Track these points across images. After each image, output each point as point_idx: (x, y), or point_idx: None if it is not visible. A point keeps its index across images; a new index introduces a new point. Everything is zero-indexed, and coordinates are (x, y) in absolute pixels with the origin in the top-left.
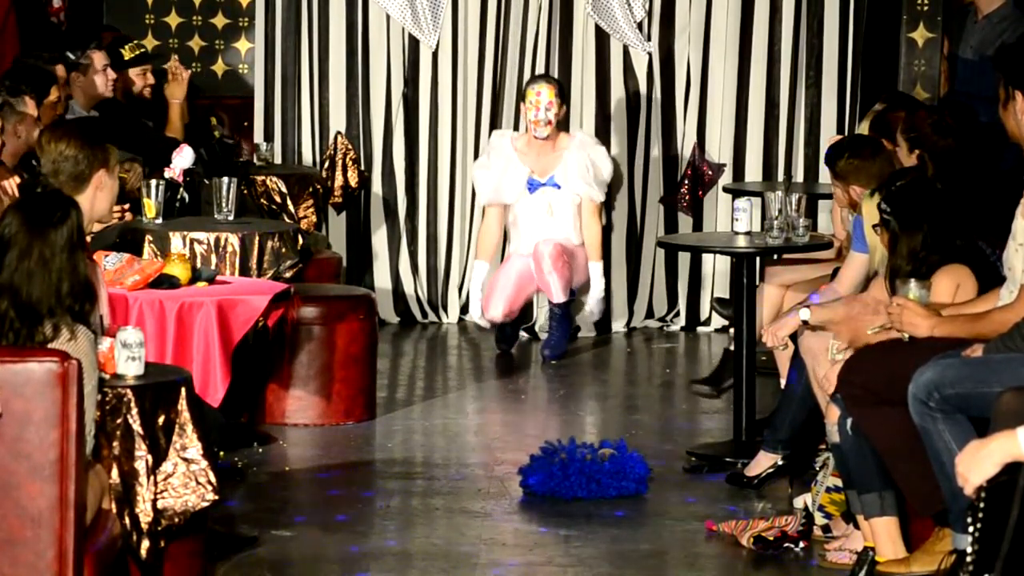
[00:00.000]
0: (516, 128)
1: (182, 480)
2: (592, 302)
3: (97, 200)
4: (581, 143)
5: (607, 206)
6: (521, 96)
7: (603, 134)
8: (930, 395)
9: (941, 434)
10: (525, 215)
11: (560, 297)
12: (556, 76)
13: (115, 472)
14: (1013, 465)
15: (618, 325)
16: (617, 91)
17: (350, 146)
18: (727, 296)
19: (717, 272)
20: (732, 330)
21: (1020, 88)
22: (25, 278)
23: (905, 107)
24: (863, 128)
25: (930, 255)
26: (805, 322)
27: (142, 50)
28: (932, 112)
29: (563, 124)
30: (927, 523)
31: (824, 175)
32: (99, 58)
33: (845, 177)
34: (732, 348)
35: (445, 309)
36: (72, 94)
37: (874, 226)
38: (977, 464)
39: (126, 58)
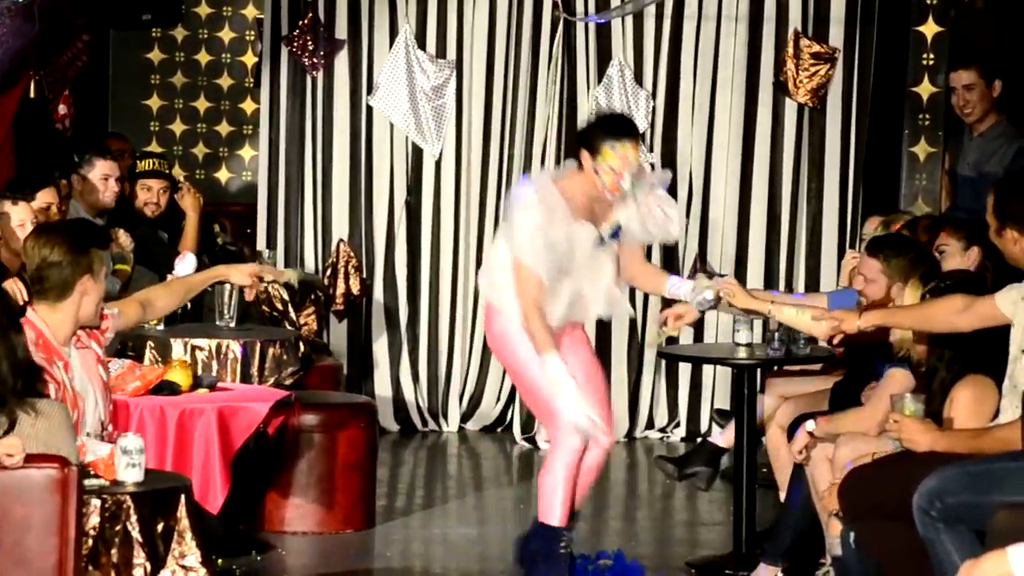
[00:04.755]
0: None
1: None
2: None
3: (83, 306)
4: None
5: None
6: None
7: None
8: (932, 504)
9: (943, 544)
10: (574, 281)
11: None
12: None
13: None
14: None
15: (618, 435)
16: None
17: (352, 253)
18: (727, 407)
19: (718, 383)
20: (724, 431)
21: (1015, 225)
22: None
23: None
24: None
25: (957, 360)
26: (811, 434)
27: (155, 165)
28: None
29: None
30: None
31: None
32: (103, 166)
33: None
34: (712, 440)
35: (445, 417)
36: (75, 198)
37: None
38: None
39: (136, 170)
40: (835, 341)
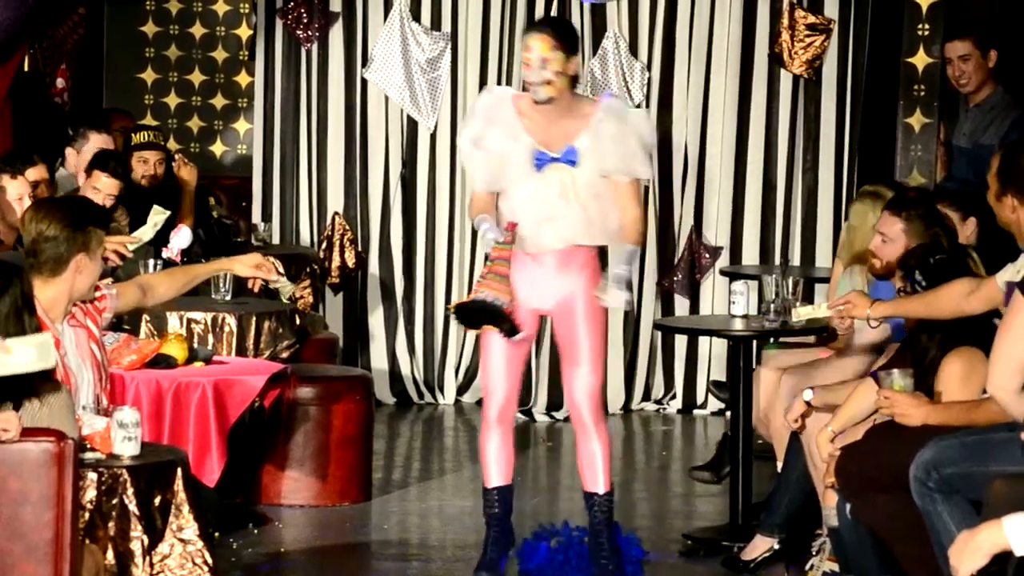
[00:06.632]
0: None
1: (178, 561)
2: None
3: (76, 282)
4: (614, 108)
5: None
6: None
7: None
8: (929, 474)
9: (940, 515)
10: (527, 205)
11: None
12: None
13: (110, 553)
14: (1003, 555)
15: (614, 408)
16: None
17: (348, 227)
18: (724, 379)
19: (714, 355)
20: (729, 414)
21: (1016, 192)
22: None
23: None
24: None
25: (947, 337)
26: (808, 403)
27: (151, 137)
28: None
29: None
30: None
31: (820, 258)
32: (97, 139)
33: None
34: (730, 433)
35: (442, 390)
36: (70, 171)
37: (899, 290)
38: (967, 555)
39: (132, 143)
40: (844, 326)
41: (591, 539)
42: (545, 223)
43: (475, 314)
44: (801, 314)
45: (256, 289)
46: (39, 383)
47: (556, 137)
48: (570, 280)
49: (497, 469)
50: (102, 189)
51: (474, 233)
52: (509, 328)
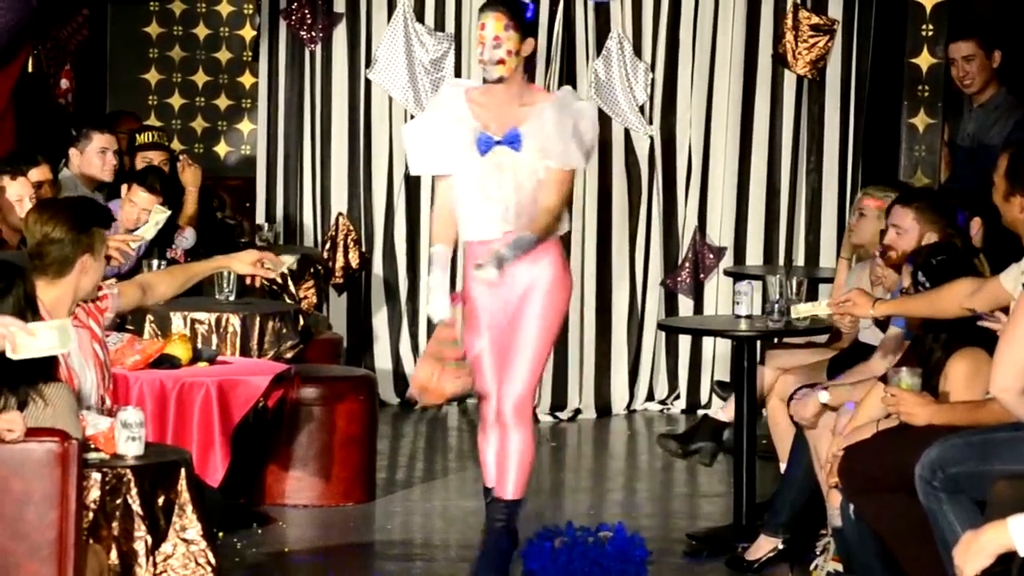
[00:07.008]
0: None
1: (181, 561)
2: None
3: (81, 283)
4: (562, 98)
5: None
6: None
7: (604, 216)
8: (934, 474)
9: (945, 515)
10: (468, 188)
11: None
12: None
13: (114, 553)
14: (1008, 555)
15: (618, 408)
16: (619, 174)
17: (351, 227)
18: (727, 379)
19: (718, 355)
20: (724, 405)
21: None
22: None
23: None
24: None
25: (952, 339)
26: (825, 405)
27: (155, 137)
28: None
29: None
30: None
31: (824, 259)
32: (100, 139)
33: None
34: (713, 415)
35: None
36: (73, 172)
37: (903, 289)
38: (971, 556)
39: (137, 143)
40: (847, 322)
41: (485, 538)
42: (485, 207)
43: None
44: (801, 311)
45: (257, 285)
46: (42, 382)
47: (503, 122)
48: (533, 275)
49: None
50: (138, 203)
51: None
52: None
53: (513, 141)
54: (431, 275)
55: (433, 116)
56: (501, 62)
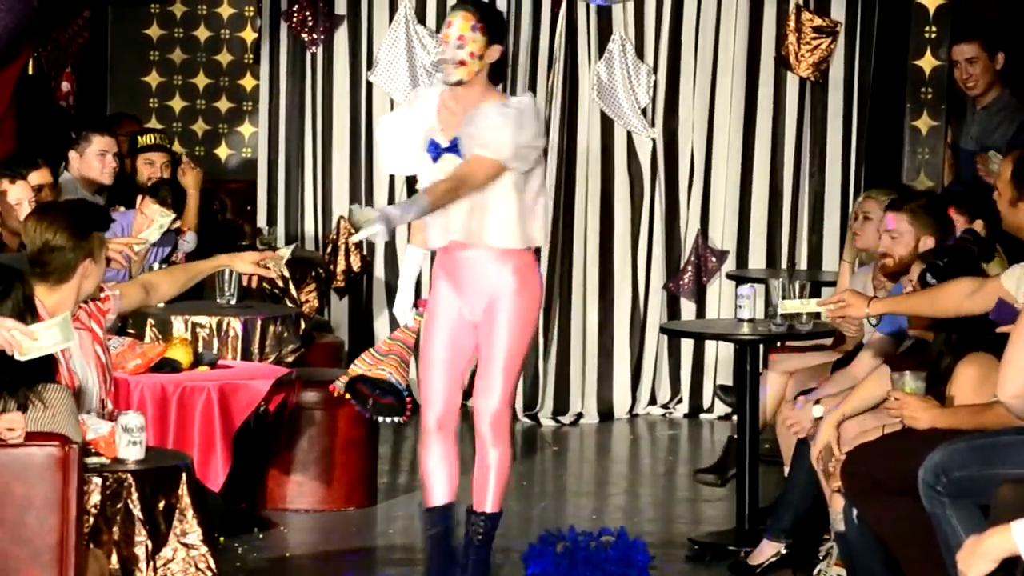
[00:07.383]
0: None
1: (182, 566)
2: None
3: (82, 288)
4: (513, 100)
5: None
6: None
7: (606, 218)
8: (938, 478)
9: (949, 520)
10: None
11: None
12: (557, 157)
13: (115, 557)
14: (1011, 560)
15: (620, 412)
16: (621, 176)
17: (353, 230)
18: (730, 383)
19: (720, 359)
20: (735, 418)
21: None
22: None
23: None
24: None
25: (962, 343)
26: (819, 419)
27: (157, 139)
28: None
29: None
30: None
31: (827, 262)
32: (100, 142)
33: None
34: (736, 436)
35: None
36: (73, 175)
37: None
38: (975, 561)
39: (138, 145)
40: (852, 327)
41: (463, 552)
42: (435, 216)
43: (372, 388)
44: (788, 307)
45: (254, 286)
46: (41, 385)
47: (456, 128)
48: (495, 285)
49: (439, 485)
50: (148, 215)
51: None
52: (399, 411)
53: (456, 146)
54: (400, 276)
55: (405, 115)
56: (462, 64)
